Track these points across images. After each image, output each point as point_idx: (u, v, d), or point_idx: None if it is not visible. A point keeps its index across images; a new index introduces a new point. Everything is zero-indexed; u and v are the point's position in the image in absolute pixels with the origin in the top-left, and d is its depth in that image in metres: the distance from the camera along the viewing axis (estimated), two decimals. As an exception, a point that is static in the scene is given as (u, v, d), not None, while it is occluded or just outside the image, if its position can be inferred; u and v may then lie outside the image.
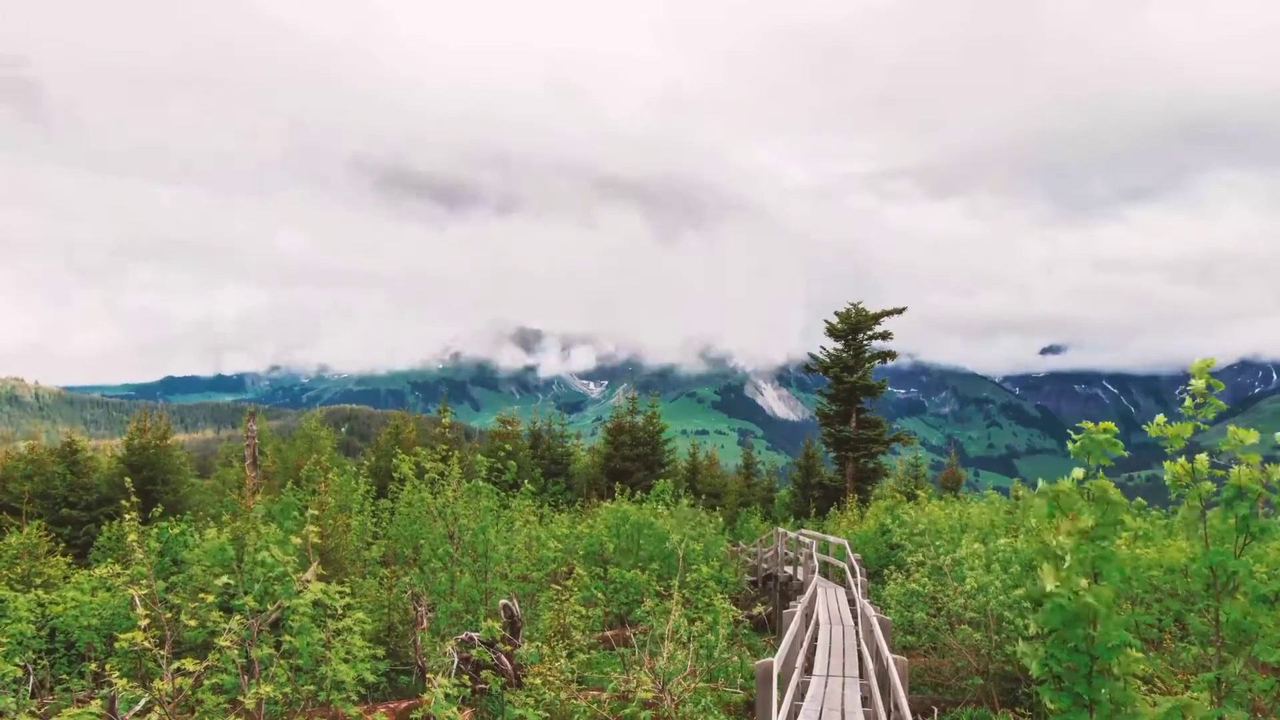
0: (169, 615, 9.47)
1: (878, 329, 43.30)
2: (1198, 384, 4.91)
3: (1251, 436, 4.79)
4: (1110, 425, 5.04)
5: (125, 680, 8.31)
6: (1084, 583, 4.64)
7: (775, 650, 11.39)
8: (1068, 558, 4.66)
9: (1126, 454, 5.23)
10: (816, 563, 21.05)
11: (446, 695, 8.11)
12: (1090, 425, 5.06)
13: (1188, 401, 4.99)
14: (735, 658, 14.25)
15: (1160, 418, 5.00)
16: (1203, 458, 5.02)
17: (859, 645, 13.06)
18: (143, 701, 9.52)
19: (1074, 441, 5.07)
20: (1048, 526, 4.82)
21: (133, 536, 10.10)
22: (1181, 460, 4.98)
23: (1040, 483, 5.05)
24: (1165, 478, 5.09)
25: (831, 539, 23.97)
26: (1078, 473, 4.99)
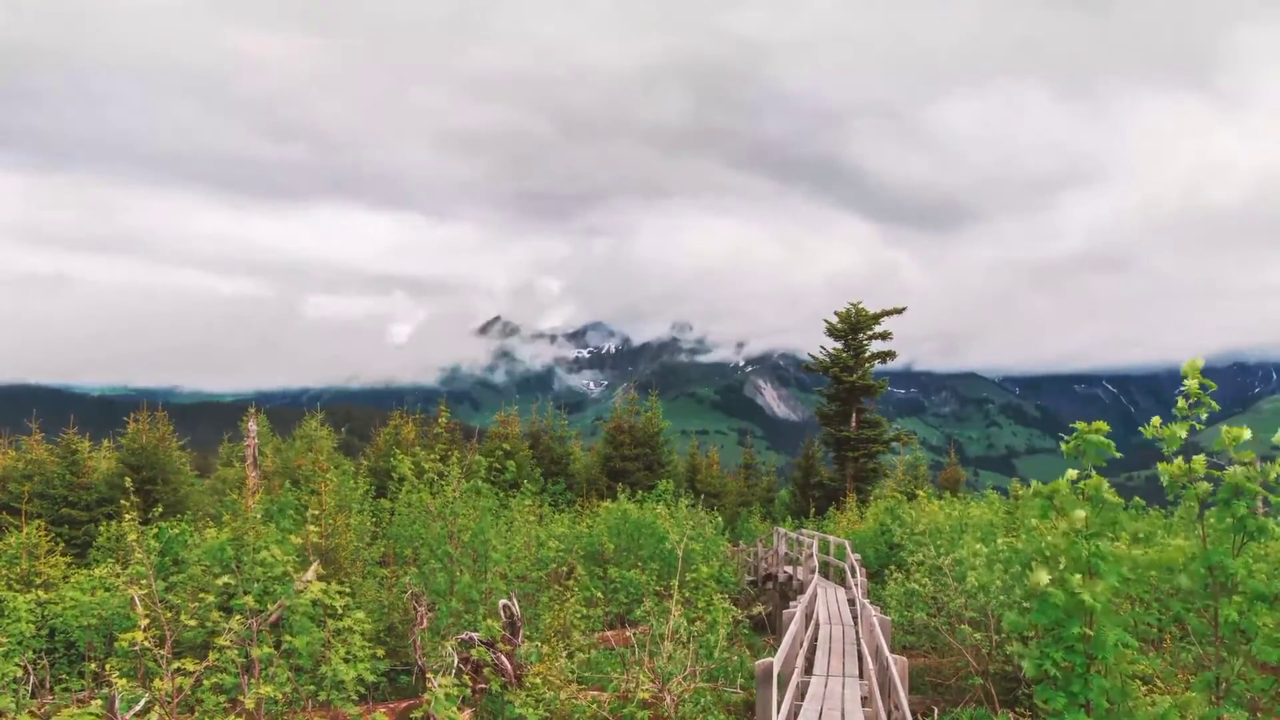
0: (169, 615, 9.48)
1: (877, 329, 43.34)
2: (1190, 384, 4.93)
3: (1244, 434, 4.81)
4: (1102, 424, 5.07)
5: (125, 680, 8.33)
6: (1077, 579, 4.66)
7: (775, 650, 11.40)
8: (1061, 557, 4.69)
9: (1120, 455, 5.25)
10: (816, 562, 21.06)
11: (447, 695, 8.13)
12: (1083, 425, 5.08)
13: (1181, 402, 5.01)
14: (735, 658, 14.27)
15: (1156, 419, 5.01)
16: (1200, 458, 5.04)
17: (859, 645, 13.08)
18: (143, 701, 9.53)
19: (1067, 442, 5.10)
20: (1043, 526, 4.86)
21: (133, 536, 10.12)
22: (1178, 460, 4.99)
23: (1034, 483, 5.08)
24: (1162, 479, 5.11)
25: (832, 539, 23.99)
26: (1072, 472, 5.02)
